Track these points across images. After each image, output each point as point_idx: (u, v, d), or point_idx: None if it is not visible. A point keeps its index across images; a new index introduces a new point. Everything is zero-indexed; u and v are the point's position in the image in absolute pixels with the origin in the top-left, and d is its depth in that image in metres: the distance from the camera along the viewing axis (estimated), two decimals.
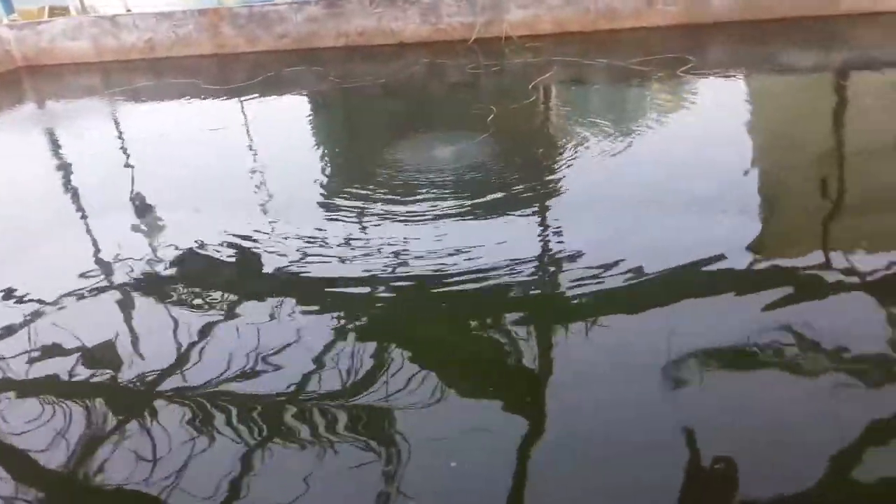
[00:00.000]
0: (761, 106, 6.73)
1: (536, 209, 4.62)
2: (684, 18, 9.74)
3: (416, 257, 4.02)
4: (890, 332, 3.06)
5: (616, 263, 3.77)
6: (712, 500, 2.32)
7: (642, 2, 9.79)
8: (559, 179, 5.10)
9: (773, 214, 4.34)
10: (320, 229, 4.51)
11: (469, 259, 3.95)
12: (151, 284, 4.03)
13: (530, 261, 3.93)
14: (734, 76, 7.40)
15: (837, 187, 4.73)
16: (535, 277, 3.79)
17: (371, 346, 3.25)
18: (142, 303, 3.85)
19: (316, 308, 3.64)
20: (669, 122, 6.19)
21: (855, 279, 3.50)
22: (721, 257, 3.76)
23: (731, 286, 3.52)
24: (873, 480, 2.33)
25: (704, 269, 3.69)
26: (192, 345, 3.39)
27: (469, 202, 4.74)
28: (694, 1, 9.63)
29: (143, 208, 5.24)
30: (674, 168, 5.14)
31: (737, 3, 9.52)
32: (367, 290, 3.76)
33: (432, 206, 4.72)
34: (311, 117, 8.04)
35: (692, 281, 3.61)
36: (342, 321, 3.49)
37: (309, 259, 4.15)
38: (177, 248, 4.43)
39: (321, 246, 4.29)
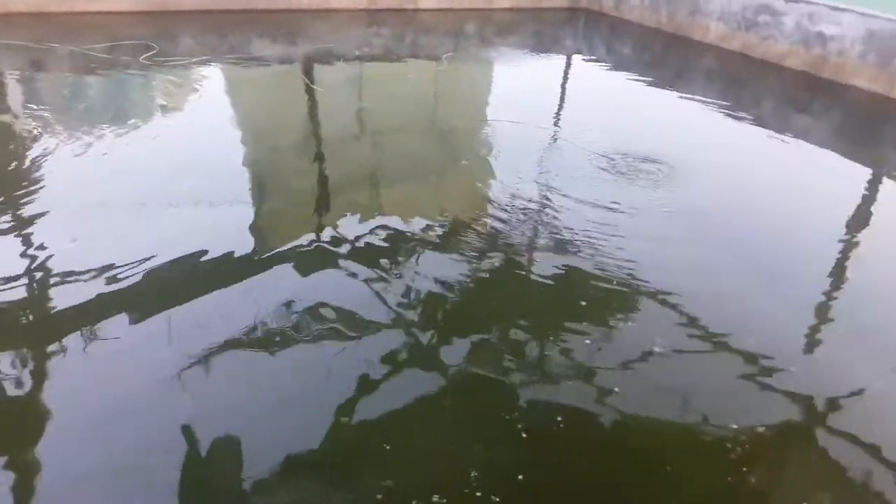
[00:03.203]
0: (241, 96, 6.88)
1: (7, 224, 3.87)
2: (147, 6, 9.32)
3: None
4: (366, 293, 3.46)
5: (113, 265, 3.50)
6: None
7: None
8: (25, 187, 4.35)
9: (267, 199, 4.49)
10: None
11: None
12: None
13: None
14: (206, 65, 7.38)
15: (319, 169, 5.14)
16: (25, 298, 3.24)
17: None
18: None
19: None
20: (145, 116, 5.85)
21: (344, 248, 3.85)
22: (225, 246, 3.75)
23: (240, 273, 3.52)
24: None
25: (209, 259, 3.63)
26: None
27: None
28: None
29: None
30: (164, 165, 4.87)
31: None
32: None
33: None
34: None
35: (196, 274, 3.51)
36: None
37: None
38: None
39: None
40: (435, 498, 2.30)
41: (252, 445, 2.47)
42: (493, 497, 2.32)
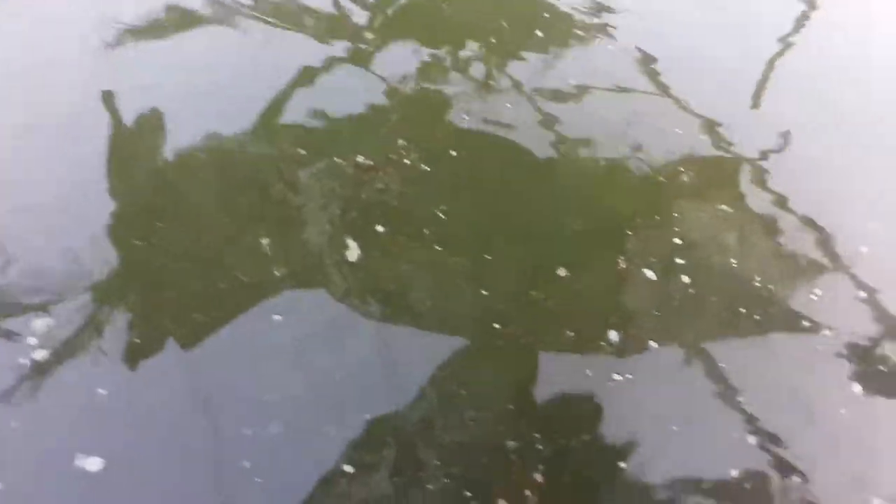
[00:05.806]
0: None
1: None
2: None
3: None
4: None
5: None
6: None
7: None
8: None
9: None
10: None
11: None
12: None
13: None
14: None
15: None
16: None
17: None
18: None
19: None
20: None
21: None
22: None
23: None
24: None
25: None
26: None
27: None
28: None
29: None
30: None
31: None
32: None
33: None
34: None
35: None
36: None
37: None
38: None
39: None
40: (360, 158, 2.24)
41: (176, 120, 2.33)
42: (422, 166, 2.27)
